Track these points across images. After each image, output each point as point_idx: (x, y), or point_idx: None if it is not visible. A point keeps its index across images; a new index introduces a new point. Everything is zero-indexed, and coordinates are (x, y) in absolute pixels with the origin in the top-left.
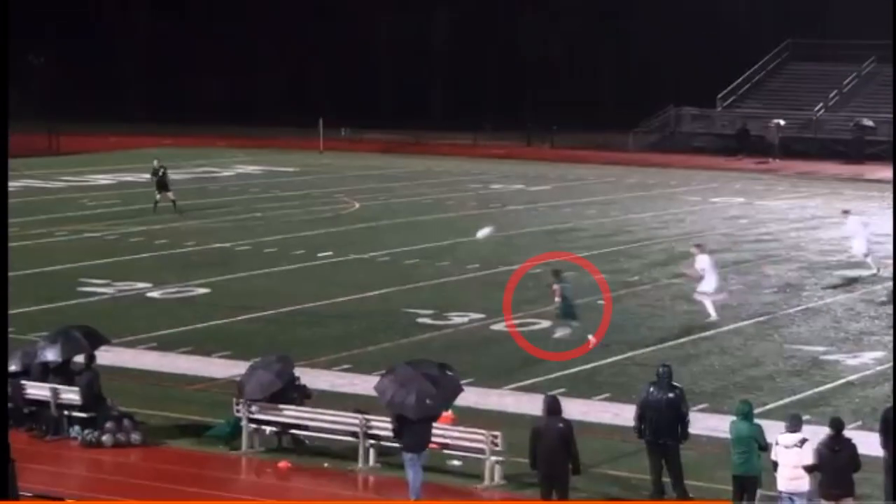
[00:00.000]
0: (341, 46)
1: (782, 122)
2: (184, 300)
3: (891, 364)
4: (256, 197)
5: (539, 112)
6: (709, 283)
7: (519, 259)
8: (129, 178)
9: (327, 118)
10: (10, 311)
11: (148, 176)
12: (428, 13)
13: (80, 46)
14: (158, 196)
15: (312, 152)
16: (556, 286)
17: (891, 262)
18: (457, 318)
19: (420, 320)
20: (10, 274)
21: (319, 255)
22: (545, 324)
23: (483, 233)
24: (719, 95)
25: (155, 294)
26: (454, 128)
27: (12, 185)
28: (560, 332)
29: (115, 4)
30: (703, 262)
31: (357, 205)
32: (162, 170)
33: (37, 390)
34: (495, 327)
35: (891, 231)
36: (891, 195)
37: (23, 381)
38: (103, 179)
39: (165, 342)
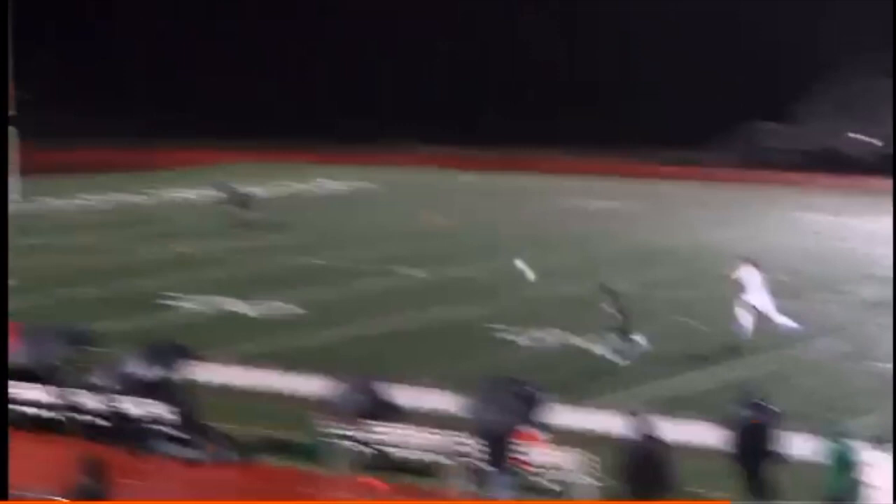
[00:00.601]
0: (441, 60)
1: (871, 139)
2: (273, 316)
3: None
4: (343, 213)
5: (626, 128)
6: (755, 299)
7: (604, 277)
8: (217, 193)
9: (418, 133)
10: (100, 328)
11: (230, 191)
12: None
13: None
14: (240, 212)
15: (402, 168)
16: (612, 302)
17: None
18: (543, 335)
19: (507, 337)
20: (99, 289)
21: (410, 272)
22: (613, 342)
23: (523, 267)
24: (805, 110)
25: (245, 310)
26: (551, 143)
27: (105, 199)
28: (621, 350)
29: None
30: (751, 277)
31: (447, 221)
32: (241, 188)
33: (129, 407)
34: (582, 345)
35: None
36: None
37: (115, 397)
38: (192, 195)
39: (256, 359)
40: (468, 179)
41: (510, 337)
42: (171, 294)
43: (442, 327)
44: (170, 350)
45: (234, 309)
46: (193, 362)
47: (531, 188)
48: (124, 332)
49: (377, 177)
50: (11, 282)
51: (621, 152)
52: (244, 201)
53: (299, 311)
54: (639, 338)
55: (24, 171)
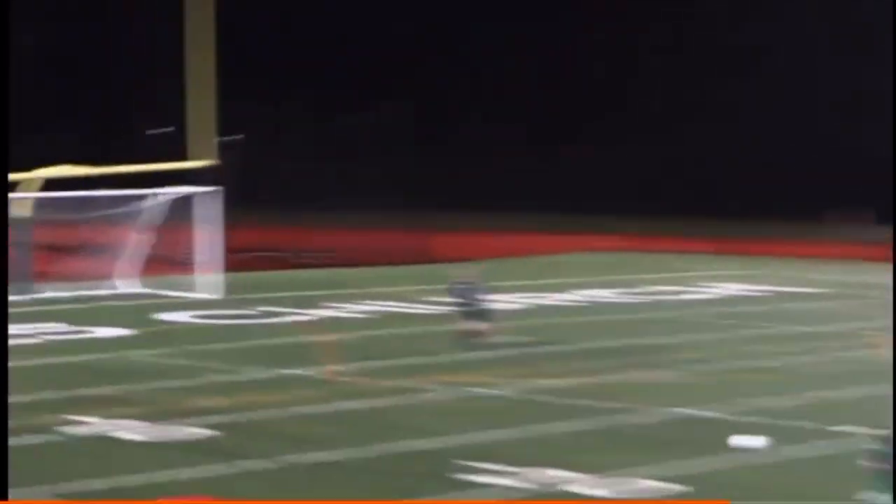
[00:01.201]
0: None
1: None
2: (637, 497)
3: None
4: (744, 335)
5: None
6: None
7: None
8: (540, 300)
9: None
10: None
11: (467, 298)
12: None
13: None
14: (469, 327)
15: (841, 262)
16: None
17: None
18: None
19: None
20: (348, 450)
21: (842, 429)
22: None
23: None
24: None
25: (589, 489)
26: None
27: (356, 307)
28: None
29: None
30: None
31: None
32: (469, 285)
33: None
34: None
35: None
36: None
37: None
38: (503, 302)
39: None
40: None
41: None
42: (471, 464)
43: None
44: None
45: (572, 488)
46: None
47: None
48: None
49: (800, 276)
50: (206, 431)
51: None
52: (480, 313)
53: (679, 488)
54: None
55: (233, 258)
